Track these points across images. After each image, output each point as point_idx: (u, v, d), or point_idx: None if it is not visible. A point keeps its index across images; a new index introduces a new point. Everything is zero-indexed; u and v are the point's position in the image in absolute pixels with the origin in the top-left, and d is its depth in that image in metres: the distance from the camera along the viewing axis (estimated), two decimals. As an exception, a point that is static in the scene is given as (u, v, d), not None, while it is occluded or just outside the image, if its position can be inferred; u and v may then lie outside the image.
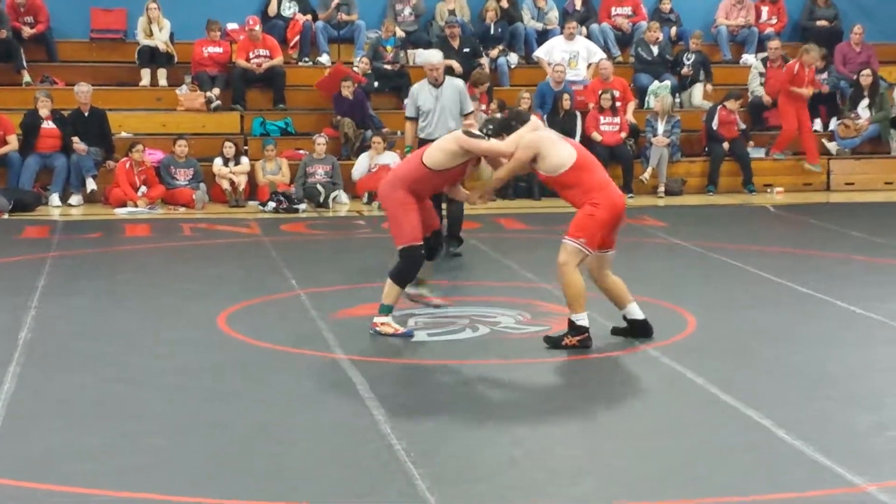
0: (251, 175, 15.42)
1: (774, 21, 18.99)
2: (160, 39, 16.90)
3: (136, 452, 5.81)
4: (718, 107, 16.72)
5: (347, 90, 16.13)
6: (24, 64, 16.70)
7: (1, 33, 16.46)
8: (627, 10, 18.78)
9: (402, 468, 5.53)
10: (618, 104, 16.53)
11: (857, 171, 17.22)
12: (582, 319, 7.68)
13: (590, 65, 17.55)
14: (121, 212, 14.56)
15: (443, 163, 8.00)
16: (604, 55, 17.62)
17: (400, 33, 17.59)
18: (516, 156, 7.83)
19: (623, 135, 16.40)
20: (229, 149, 15.35)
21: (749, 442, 5.98)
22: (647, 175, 16.17)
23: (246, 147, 16.00)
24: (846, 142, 17.36)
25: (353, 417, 6.33)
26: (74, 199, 15.08)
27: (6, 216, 14.16)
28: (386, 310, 8.13)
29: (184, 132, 15.83)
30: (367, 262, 11.30)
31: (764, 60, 17.83)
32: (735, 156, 16.70)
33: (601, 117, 16.41)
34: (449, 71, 14.93)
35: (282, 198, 14.84)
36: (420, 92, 11.27)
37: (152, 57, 16.90)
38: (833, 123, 17.55)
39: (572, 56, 17.49)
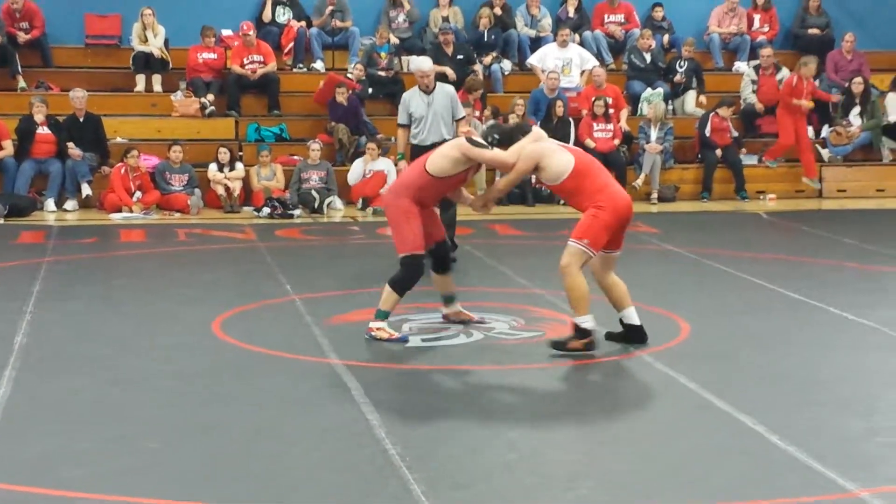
0: (246, 181, 15.46)
1: (766, 29, 19.05)
2: (155, 45, 16.93)
3: (132, 456, 5.82)
4: (711, 114, 16.79)
5: (342, 96, 16.17)
6: (20, 69, 16.72)
7: (-4, 39, 16.51)
8: (620, 17, 18.83)
9: (396, 473, 5.55)
10: (611, 111, 16.59)
11: (849, 179, 17.28)
12: (586, 322, 7.70)
13: (583, 72, 17.61)
14: (116, 217, 14.59)
15: (446, 170, 8.04)
16: (597, 62, 17.68)
17: (394, 40, 17.63)
18: (517, 167, 7.91)
19: (616, 141, 16.47)
20: (224, 154, 15.37)
21: (742, 447, 6.01)
22: (639, 182, 16.22)
23: (240, 153, 16.03)
24: (838, 149, 17.42)
25: (348, 422, 6.35)
26: (70, 204, 15.10)
27: (1, 221, 14.19)
28: (382, 315, 8.16)
29: (179, 138, 15.86)
30: (362, 267, 11.34)
31: (756, 68, 17.91)
32: (727, 163, 16.77)
33: (594, 124, 16.47)
34: (442, 77, 14.99)
35: (276, 203, 14.88)
36: (412, 99, 11.31)
37: (147, 63, 16.92)
38: (825, 131, 17.61)
39: (565, 63, 17.55)
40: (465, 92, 15.68)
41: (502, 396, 7.07)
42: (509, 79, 17.96)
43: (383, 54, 17.29)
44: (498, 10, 18.30)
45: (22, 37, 16.99)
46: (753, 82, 17.74)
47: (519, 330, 8.57)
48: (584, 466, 5.83)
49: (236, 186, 15.30)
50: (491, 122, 15.97)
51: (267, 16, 17.91)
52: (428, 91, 11.27)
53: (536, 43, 18.27)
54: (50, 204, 14.99)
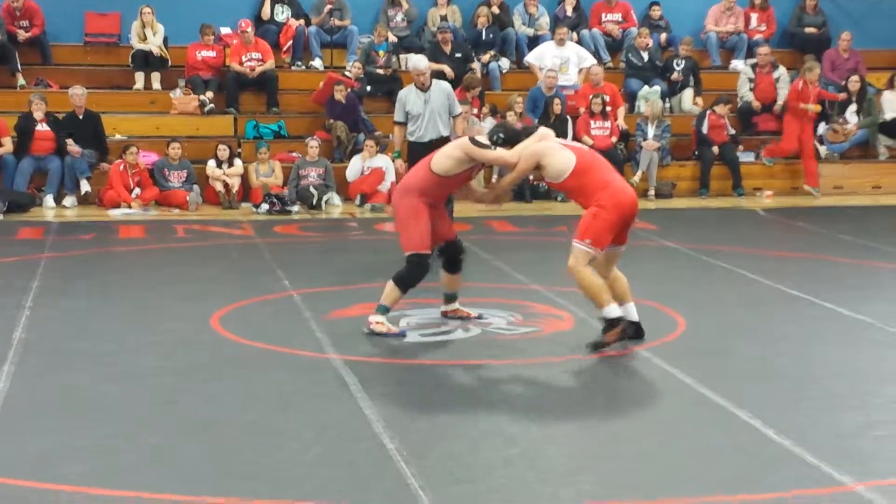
0: (244, 177, 15.48)
1: (763, 28, 19.08)
2: (154, 43, 16.94)
3: (130, 452, 5.85)
4: (708, 111, 16.83)
5: (340, 94, 16.19)
6: (19, 67, 16.72)
7: (-3, 37, 16.53)
8: (618, 16, 18.85)
9: (394, 467, 5.58)
10: (608, 109, 16.63)
11: (846, 176, 17.31)
12: (612, 312, 7.69)
13: (581, 70, 17.63)
14: (115, 213, 14.61)
15: (451, 169, 8.09)
16: (594, 61, 17.70)
17: (392, 38, 17.65)
18: (519, 166, 7.97)
19: (613, 139, 16.51)
20: (223, 151, 15.40)
21: (738, 442, 6.04)
22: (637, 178, 16.24)
23: (239, 150, 16.05)
24: (835, 146, 17.46)
25: (346, 417, 6.38)
26: (68, 200, 15.12)
27: (1, 217, 14.20)
28: (383, 310, 8.21)
29: (177, 135, 15.88)
30: (360, 263, 11.37)
31: (753, 66, 17.93)
32: (724, 160, 16.81)
33: (592, 122, 16.51)
34: (439, 75, 15.02)
35: (275, 200, 14.91)
36: (408, 96, 11.36)
37: (146, 61, 16.94)
38: (822, 128, 17.64)
39: (563, 61, 17.57)
40: (464, 90, 15.72)
41: (500, 392, 7.09)
42: (507, 77, 17.98)
43: (381, 52, 17.31)
44: (496, 9, 18.32)
45: (22, 35, 17.00)
46: (750, 80, 17.77)
47: (516, 325, 8.60)
48: (583, 461, 5.86)
49: (235, 183, 15.33)
50: (489, 118, 16.05)
51: (266, 14, 17.93)
52: (424, 89, 11.32)
53: (534, 41, 18.29)
54: (49, 200, 15.01)
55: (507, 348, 7.98)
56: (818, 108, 16.98)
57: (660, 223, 13.80)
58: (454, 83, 14.43)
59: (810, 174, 16.80)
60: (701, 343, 8.16)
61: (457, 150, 8.12)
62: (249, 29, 17.00)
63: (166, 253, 12.19)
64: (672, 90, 17.93)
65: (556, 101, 16.48)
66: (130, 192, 14.87)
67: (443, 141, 11.10)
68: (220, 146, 15.46)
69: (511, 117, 15.60)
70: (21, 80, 16.67)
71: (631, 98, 17.67)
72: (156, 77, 16.99)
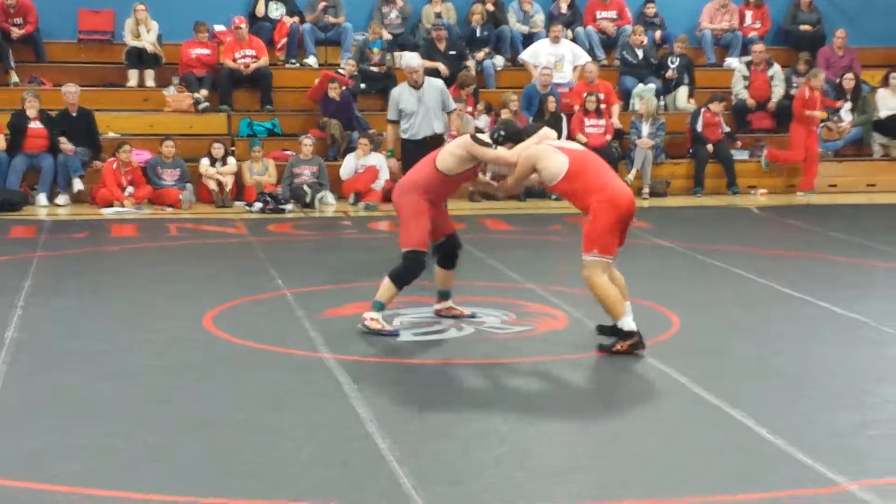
0: (238, 175, 15.45)
1: (758, 25, 19.08)
2: (148, 41, 16.91)
3: (124, 451, 5.83)
4: (703, 109, 16.82)
5: (334, 92, 16.17)
6: (13, 64, 16.70)
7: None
8: (612, 13, 18.84)
9: (387, 467, 5.57)
10: (602, 107, 16.62)
11: (840, 174, 17.31)
12: (627, 324, 7.67)
13: (575, 67, 17.62)
14: (107, 212, 14.58)
15: (455, 167, 8.11)
16: (589, 58, 17.69)
17: (387, 36, 17.63)
18: (517, 170, 7.99)
19: (608, 137, 16.50)
20: (218, 149, 15.38)
21: (732, 441, 6.03)
22: (631, 176, 16.23)
23: (233, 148, 16.01)
24: (829, 144, 17.46)
25: (339, 416, 6.37)
26: (61, 199, 15.08)
27: (-8, 216, 14.18)
28: (378, 306, 8.20)
29: (171, 133, 15.84)
30: (353, 262, 11.35)
31: (748, 64, 17.93)
32: (719, 158, 16.80)
33: (586, 119, 16.49)
34: (434, 73, 15.00)
35: (268, 198, 14.88)
36: (401, 94, 11.35)
37: (140, 58, 16.91)
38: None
39: (558, 59, 17.55)
40: (458, 87, 15.70)
41: (493, 391, 7.08)
42: (502, 74, 17.97)
43: (376, 50, 17.29)
44: (490, 6, 18.31)
45: (15, 32, 16.96)
46: (745, 78, 17.77)
47: (510, 324, 8.59)
48: (575, 460, 5.85)
49: (228, 181, 15.30)
50: (483, 116, 16.04)
51: (260, 11, 17.90)
52: (417, 87, 11.30)
53: (529, 39, 18.27)
54: (41, 198, 14.97)
55: (501, 347, 7.96)
56: (824, 114, 17.00)
57: (654, 222, 13.79)
58: (449, 81, 14.41)
59: (808, 179, 16.75)
60: (696, 342, 8.14)
61: (459, 147, 8.13)
62: (243, 25, 16.98)
63: (159, 251, 12.16)
64: (666, 88, 17.92)
65: (551, 98, 16.47)
66: (123, 190, 14.84)
67: (437, 138, 11.13)
68: (215, 144, 15.44)
69: (506, 115, 15.57)
70: (14, 78, 16.64)
71: (625, 96, 17.66)
72: (150, 74, 16.97)
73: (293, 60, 17.74)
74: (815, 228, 13.67)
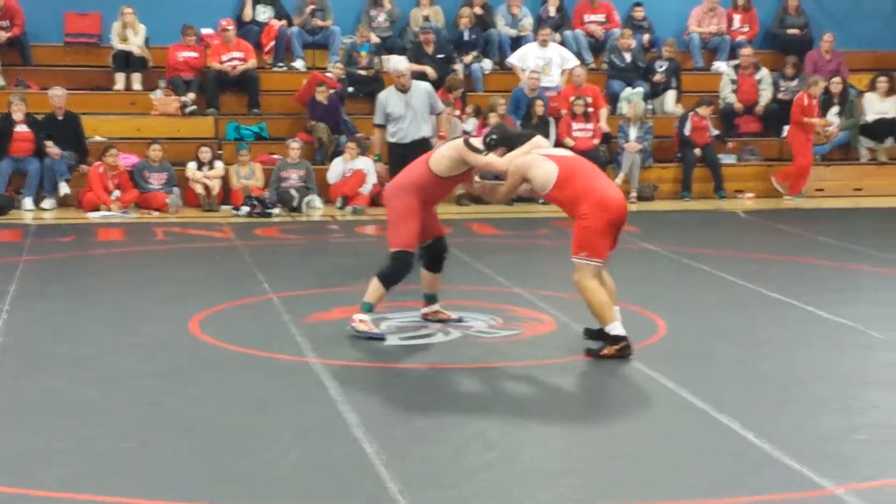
0: (225, 179, 15.43)
1: (746, 29, 19.11)
2: (135, 44, 16.88)
3: (109, 455, 5.81)
4: (691, 113, 16.84)
5: (322, 95, 16.15)
6: (-1, 67, 16.70)
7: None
8: (600, 17, 18.85)
9: (373, 471, 5.55)
10: (590, 110, 16.62)
11: (827, 178, 17.34)
12: (615, 329, 7.66)
13: (563, 71, 17.62)
14: (94, 216, 14.54)
15: (448, 169, 8.10)
16: (577, 62, 17.69)
17: (375, 39, 17.62)
18: (508, 180, 8.02)
19: (596, 141, 16.51)
20: (205, 153, 15.35)
21: (719, 446, 6.03)
22: (619, 181, 16.23)
23: (220, 151, 15.98)
24: (816, 148, 17.45)
25: (325, 421, 6.36)
26: (47, 202, 15.04)
27: (-22, 220, 14.14)
28: (367, 307, 8.19)
29: (158, 136, 15.81)
30: (340, 266, 11.34)
31: (735, 67, 17.96)
32: (706, 162, 16.82)
33: (574, 123, 16.51)
34: (422, 76, 15.00)
35: (255, 202, 14.86)
36: (389, 98, 11.34)
37: (127, 61, 16.87)
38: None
39: (546, 62, 17.56)
40: (446, 91, 15.70)
41: (480, 395, 7.07)
42: (490, 78, 17.97)
43: (364, 53, 17.28)
44: (478, 10, 18.31)
45: (2, 35, 16.92)
46: (733, 82, 17.80)
47: (497, 329, 8.58)
48: (562, 465, 5.84)
49: (215, 185, 15.27)
50: (471, 120, 16.03)
51: (247, 15, 17.87)
52: (404, 90, 11.30)
53: (517, 42, 18.28)
54: (27, 202, 14.93)
55: (488, 351, 7.95)
56: (823, 121, 17.02)
57: (641, 226, 13.78)
58: (436, 84, 14.40)
59: (796, 184, 16.75)
60: (682, 346, 8.14)
61: (452, 150, 8.12)
62: (231, 28, 16.96)
63: (145, 255, 12.13)
64: (654, 92, 17.94)
65: (539, 102, 16.47)
66: (110, 194, 14.80)
67: (424, 142, 11.12)
68: (203, 148, 15.42)
69: (494, 119, 15.57)
70: (0, 81, 16.59)
71: (613, 99, 17.67)
72: (137, 78, 16.94)
73: (281, 64, 17.72)
74: (802, 232, 13.69)
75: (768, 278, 10.50)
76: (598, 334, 7.95)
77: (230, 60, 16.87)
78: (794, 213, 15.55)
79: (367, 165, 15.07)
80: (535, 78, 16.78)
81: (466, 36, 18.01)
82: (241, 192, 15.15)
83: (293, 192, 15.17)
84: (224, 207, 15.20)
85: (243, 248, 12.26)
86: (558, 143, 15.84)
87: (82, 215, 14.64)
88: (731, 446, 6.00)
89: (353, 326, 8.17)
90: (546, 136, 15.86)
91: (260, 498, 5.27)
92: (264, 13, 17.93)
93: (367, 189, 15.20)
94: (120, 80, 16.89)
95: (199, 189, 15.21)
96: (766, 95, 17.74)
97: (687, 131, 16.71)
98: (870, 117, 17.72)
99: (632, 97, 17.16)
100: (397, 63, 11.62)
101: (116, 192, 14.84)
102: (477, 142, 8.16)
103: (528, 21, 18.51)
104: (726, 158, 17.13)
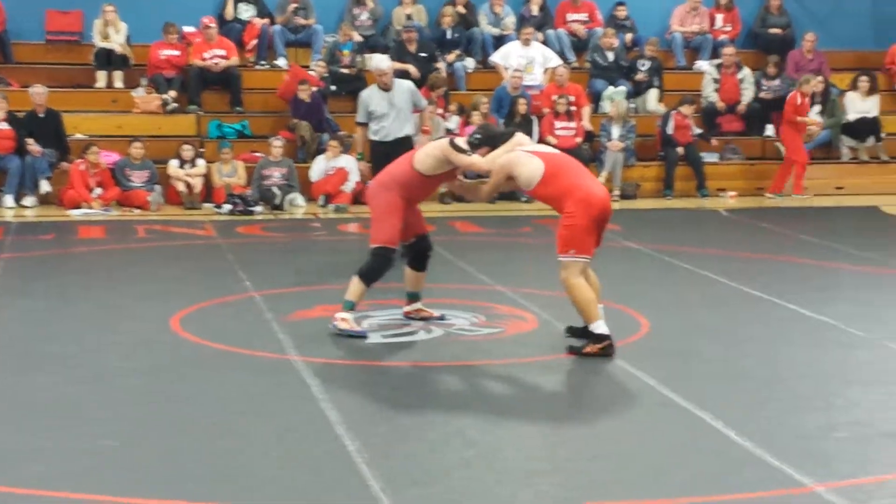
0: (207, 177, 15.39)
1: (729, 28, 19.14)
2: (116, 42, 16.83)
3: (91, 454, 5.79)
4: (673, 112, 16.86)
5: (304, 93, 16.13)
6: (-21, 65, 16.64)
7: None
8: (583, 16, 18.86)
9: (355, 470, 5.55)
10: (573, 109, 16.64)
11: (809, 176, 17.31)
12: (599, 327, 7.67)
13: (546, 70, 17.63)
14: (75, 213, 14.50)
15: (433, 168, 8.09)
16: (560, 61, 17.70)
17: (357, 37, 17.59)
18: (492, 179, 8.04)
19: (578, 139, 16.52)
20: (188, 151, 15.32)
21: (700, 443, 6.04)
22: (602, 179, 16.24)
23: (202, 149, 15.95)
24: (799, 147, 17.52)
25: (307, 419, 6.34)
26: (28, 200, 14.99)
27: (-41, 218, 14.08)
28: (349, 305, 8.19)
29: (139, 134, 15.77)
30: (322, 264, 11.33)
31: (718, 67, 17.99)
32: (688, 160, 16.85)
33: (556, 122, 16.52)
34: (404, 75, 14.99)
35: (237, 200, 14.83)
36: (371, 97, 11.34)
37: (108, 59, 16.82)
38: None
39: (528, 61, 17.57)
40: (429, 89, 15.67)
41: (461, 393, 7.07)
42: (472, 76, 17.96)
43: (346, 52, 17.26)
44: (461, 9, 18.31)
45: (-18, 33, 16.89)
46: (715, 81, 17.84)
47: (480, 326, 8.57)
48: (543, 463, 5.84)
49: (197, 183, 15.24)
50: (454, 118, 16.03)
51: (229, 13, 17.84)
52: (387, 89, 11.29)
53: (500, 41, 18.27)
54: (8, 200, 14.87)
55: (470, 349, 7.95)
56: (814, 121, 17.05)
57: (624, 224, 13.78)
58: (419, 83, 14.39)
59: (780, 183, 16.76)
60: (664, 344, 8.15)
61: (437, 149, 8.12)
62: (213, 25, 16.92)
63: (127, 253, 12.10)
64: (637, 90, 17.95)
65: (522, 101, 16.48)
66: (91, 191, 14.76)
67: (407, 140, 11.11)
68: (185, 146, 15.38)
69: (476, 117, 15.57)
70: (-19, 79, 16.56)
71: (596, 98, 17.69)
72: (118, 76, 16.89)
73: (263, 62, 17.69)
74: (783, 231, 13.72)
75: (750, 276, 10.52)
76: (582, 332, 7.96)
77: (212, 58, 16.82)
78: (777, 212, 15.58)
79: (349, 163, 15.06)
80: (517, 77, 16.79)
81: (449, 34, 18.00)
82: (223, 190, 15.12)
83: (275, 190, 15.15)
84: (206, 205, 15.16)
85: (225, 246, 12.24)
86: (541, 142, 15.85)
87: (63, 213, 14.59)
88: (713, 444, 6.01)
89: (335, 325, 8.16)
90: (529, 134, 15.87)
91: (241, 496, 5.26)
92: (247, 11, 17.89)
93: (349, 187, 15.19)
94: (101, 77, 16.84)
95: (180, 187, 15.18)
96: (748, 95, 17.77)
97: (669, 130, 16.74)
98: (851, 116, 17.78)
99: (614, 96, 17.17)
100: (380, 61, 11.62)
101: (98, 190, 14.80)
102: (462, 142, 8.15)
103: (510, 20, 18.50)
104: (709, 157, 17.17)
